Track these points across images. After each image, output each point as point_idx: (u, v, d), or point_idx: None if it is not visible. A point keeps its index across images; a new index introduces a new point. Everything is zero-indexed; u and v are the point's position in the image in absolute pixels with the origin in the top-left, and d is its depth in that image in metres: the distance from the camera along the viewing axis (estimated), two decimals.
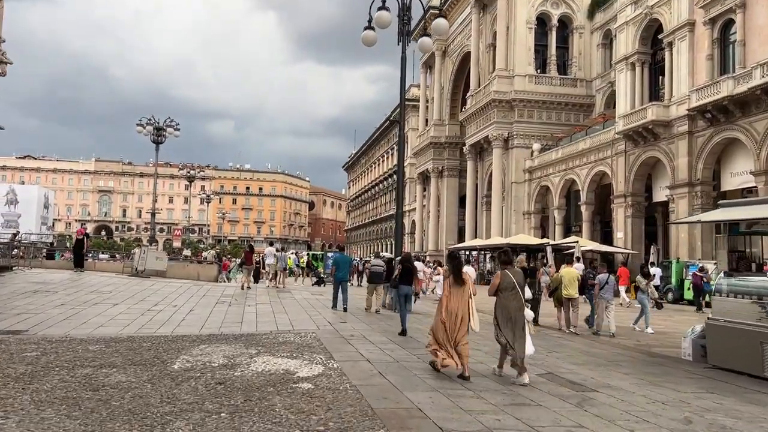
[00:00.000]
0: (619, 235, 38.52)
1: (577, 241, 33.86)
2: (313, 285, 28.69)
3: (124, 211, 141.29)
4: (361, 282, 29.54)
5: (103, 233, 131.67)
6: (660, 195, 36.70)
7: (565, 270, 14.92)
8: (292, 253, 42.22)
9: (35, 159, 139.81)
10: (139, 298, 16.36)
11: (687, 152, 32.23)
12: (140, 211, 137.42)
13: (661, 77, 37.12)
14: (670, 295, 26.59)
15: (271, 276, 24.32)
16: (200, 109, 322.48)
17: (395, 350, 9.53)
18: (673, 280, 26.64)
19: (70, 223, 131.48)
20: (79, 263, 23.83)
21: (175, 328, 11.64)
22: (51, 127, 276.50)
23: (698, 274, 24.87)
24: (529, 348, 7.65)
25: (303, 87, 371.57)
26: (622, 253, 36.76)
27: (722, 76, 29.78)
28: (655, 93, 37.18)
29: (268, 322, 12.76)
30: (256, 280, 24.30)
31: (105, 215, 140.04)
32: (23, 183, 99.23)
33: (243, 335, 10.71)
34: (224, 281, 29.57)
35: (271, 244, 29.39)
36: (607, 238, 42.34)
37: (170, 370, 7.34)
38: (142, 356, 8.30)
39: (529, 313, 7.86)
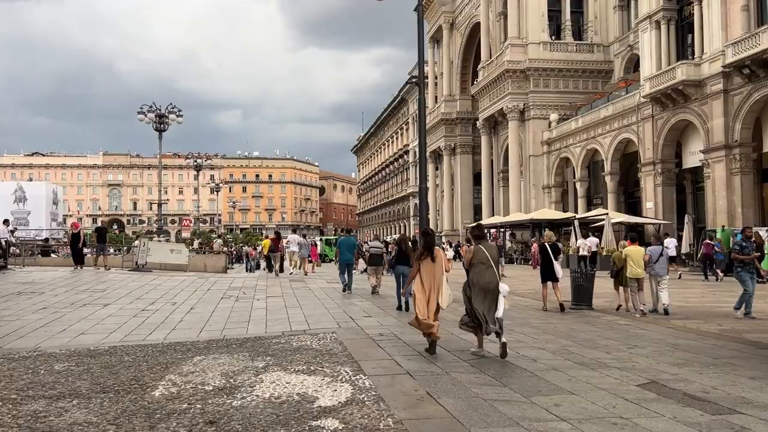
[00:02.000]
0: (648, 205, 36.35)
1: (607, 214, 31.83)
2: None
3: (135, 203, 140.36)
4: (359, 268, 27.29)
5: (115, 227, 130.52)
6: (691, 161, 34.50)
7: (631, 248, 13.10)
8: (318, 239, 40.25)
9: (43, 156, 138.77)
10: (135, 295, 14.60)
11: (722, 112, 29.93)
12: (151, 204, 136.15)
13: (689, 35, 34.61)
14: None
15: (297, 264, 24.32)
16: (207, 100, 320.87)
17: (439, 354, 7.63)
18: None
19: (81, 218, 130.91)
20: (78, 260, 22.08)
21: (170, 332, 9.83)
22: (60, 124, 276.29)
23: (710, 243, 23.78)
24: (499, 312, 7.61)
25: (308, 73, 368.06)
26: (653, 223, 34.63)
27: (761, 27, 27.40)
28: (682, 52, 34.72)
29: (280, 320, 10.92)
30: (281, 269, 24.16)
31: (116, 209, 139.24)
32: (31, 180, 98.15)
33: (249, 339, 8.87)
34: (249, 271, 27.78)
35: (294, 231, 27.78)
36: (631, 209, 40.21)
37: (148, 401, 5.49)
38: (117, 378, 6.47)
39: (504, 288, 7.76)
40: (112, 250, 37.84)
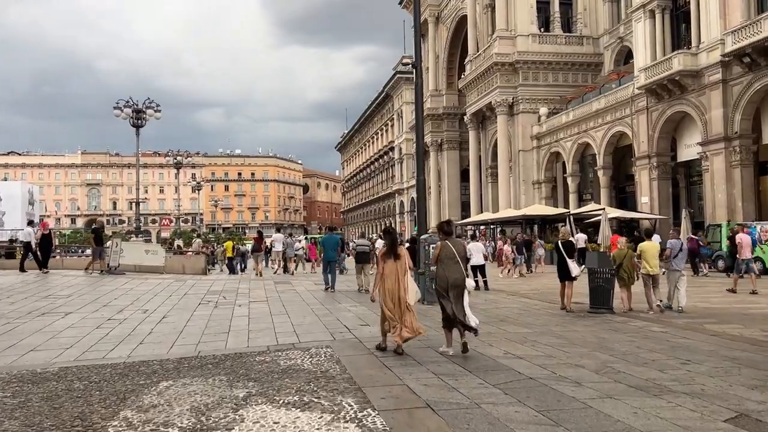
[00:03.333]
0: (644, 199, 35.35)
1: (604, 209, 30.71)
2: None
3: (114, 203, 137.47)
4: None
5: (94, 227, 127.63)
6: (687, 153, 33.57)
7: (647, 243, 12.48)
8: (302, 239, 38.99)
9: (20, 155, 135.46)
10: (103, 302, 13.12)
11: (721, 103, 28.97)
12: (131, 203, 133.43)
13: (684, 24, 33.62)
14: (720, 263, 23.44)
15: (280, 264, 24.07)
16: (188, 99, 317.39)
17: (460, 375, 6.31)
18: (723, 246, 23.46)
19: (60, 219, 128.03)
20: (44, 262, 20.13)
21: (136, 347, 8.42)
22: (39, 124, 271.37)
23: (695, 237, 23.27)
24: (472, 319, 7.56)
25: (291, 71, 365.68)
26: (648, 219, 33.64)
27: (762, 14, 26.46)
28: (678, 42, 33.73)
29: (265, 331, 9.54)
30: (285, 269, 24.04)
31: (95, 209, 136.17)
32: (6, 179, 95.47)
33: (228, 357, 7.48)
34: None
35: (279, 230, 26.34)
36: (623, 204, 39.27)
37: None
38: (57, 417, 5.07)
39: (470, 283, 7.85)
40: (89, 251, 36.04)
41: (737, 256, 16.79)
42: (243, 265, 30.74)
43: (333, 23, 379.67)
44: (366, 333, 8.95)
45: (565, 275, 12.00)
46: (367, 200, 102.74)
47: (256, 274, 22.29)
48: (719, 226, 24.70)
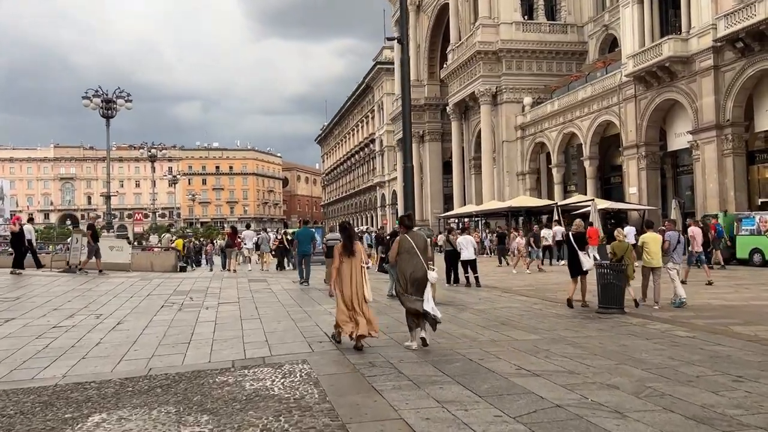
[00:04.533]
0: (632, 190, 34.47)
1: (593, 200, 29.75)
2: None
3: (89, 198, 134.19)
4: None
5: (69, 222, 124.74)
6: (677, 143, 32.71)
7: (649, 235, 11.77)
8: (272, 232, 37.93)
9: None
10: (53, 305, 11.69)
11: (713, 90, 28.08)
12: (106, 198, 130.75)
13: (674, 9, 32.67)
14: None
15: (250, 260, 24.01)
16: (166, 92, 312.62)
17: (469, 402, 5.06)
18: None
19: (32, 214, 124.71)
20: (18, 263, 17.81)
21: (76, 364, 7.07)
22: (14, 118, 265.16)
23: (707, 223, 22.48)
24: (428, 305, 7.48)
25: (270, 65, 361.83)
26: (637, 210, 32.77)
27: None
28: (667, 28, 32.76)
29: (231, 341, 8.22)
30: (281, 265, 23.82)
31: (69, 203, 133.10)
32: None
33: (183, 377, 6.18)
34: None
35: (248, 227, 25.39)
36: (607, 195, 38.34)
37: None
38: None
39: (432, 275, 7.65)
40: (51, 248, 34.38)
41: (689, 248, 16.72)
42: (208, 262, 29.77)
43: (311, 15, 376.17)
44: (348, 341, 7.69)
45: (576, 269, 11.03)
46: (347, 193, 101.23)
47: (229, 270, 21.87)
48: (715, 216, 23.75)
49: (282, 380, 5.86)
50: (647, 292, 11.50)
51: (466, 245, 15.64)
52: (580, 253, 10.91)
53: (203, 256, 33.51)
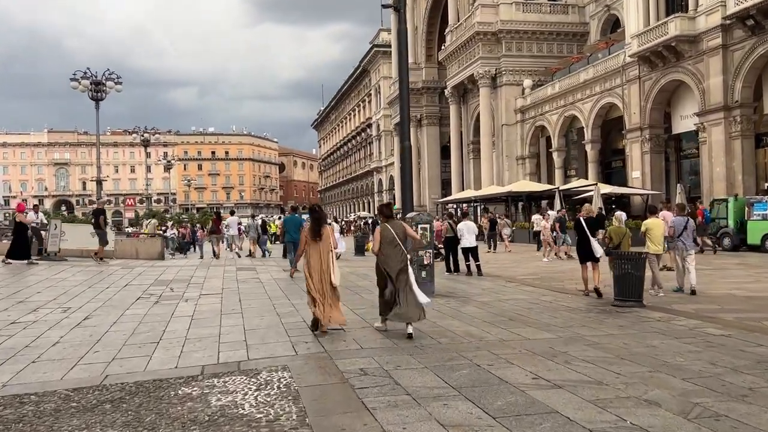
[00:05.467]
0: (635, 174, 33.51)
1: (596, 184, 28.81)
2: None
3: (84, 183, 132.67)
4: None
5: (63, 208, 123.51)
6: (682, 125, 31.75)
7: (652, 221, 11.26)
8: (262, 217, 36.93)
9: None
10: (18, 298, 10.74)
11: (721, 70, 27.07)
12: (101, 183, 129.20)
13: None
14: (726, 241, 21.64)
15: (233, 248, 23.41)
16: (160, 78, 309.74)
17: (483, 428, 4.13)
18: (731, 221, 21.66)
19: (26, 200, 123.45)
20: (24, 253, 16.25)
21: (23, 369, 6.13)
22: (7, 104, 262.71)
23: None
24: (422, 298, 7.40)
25: (265, 50, 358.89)
26: (641, 194, 31.88)
27: None
28: (673, 6, 31.64)
29: (206, 340, 7.28)
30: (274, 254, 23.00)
31: (63, 189, 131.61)
32: None
33: (141, 387, 5.25)
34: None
35: (233, 213, 24.44)
36: (608, 179, 37.35)
37: None
38: None
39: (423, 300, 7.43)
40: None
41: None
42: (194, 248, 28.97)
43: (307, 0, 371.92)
44: (339, 342, 6.76)
45: (587, 255, 10.32)
46: (344, 179, 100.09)
47: (215, 256, 21.63)
48: (725, 200, 22.85)
49: (256, 393, 4.92)
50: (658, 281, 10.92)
51: (468, 232, 14.70)
52: (593, 239, 10.12)
53: (195, 242, 32.56)
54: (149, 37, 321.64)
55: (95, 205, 23.00)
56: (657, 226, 10.96)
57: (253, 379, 5.36)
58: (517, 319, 8.34)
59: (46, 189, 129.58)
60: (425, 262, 10.78)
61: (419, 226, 10.57)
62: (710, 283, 12.23)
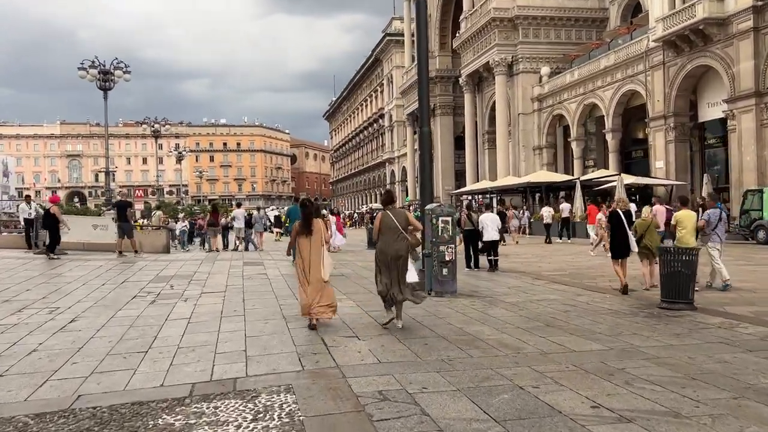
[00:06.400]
0: (658, 164, 32.28)
1: (619, 175, 27.66)
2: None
3: (96, 175, 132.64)
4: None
5: (76, 200, 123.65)
6: (709, 113, 30.48)
7: (682, 213, 10.41)
8: (271, 209, 36.24)
9: None
10: (5, 296, 9.90)
11: (752, 54, 25.77)
12: (114, 175, 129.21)
13: None
14: (761, 234, 20.50)
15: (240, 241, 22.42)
16: (172, 69, 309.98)
17: None
18: (765, 213, 20.52)
19: (39, 191, 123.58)
20: (51, 246, 15.69)
21: None
22: (21, 96, 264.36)
23: (669, 207, 20.97)
24: (410, 277, 7.39)
25: (276, 41, 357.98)
26: (665, 185, 30.71)
27: None
28: None
29: (201, 349, 6.37)
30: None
31: (76, 180, 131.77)
32: None
33: (116, 413, 4.34)
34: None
35: (239, 205, 23.57)
36: (628, 170, 36.08)
37: None
38: None
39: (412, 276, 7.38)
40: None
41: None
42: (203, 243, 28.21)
43: None
44: (352, 356, 5.83)
45: (624, 251, 9.58)
46: (356, 170, 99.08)
47: (212, 250, 21.42)
48: (760, 191, 21.67)
49: (252, 425, 4.00)
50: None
51: (491, 224, 13.69)
52: (630, 233, 9.22)
53: (194, 234, 31.64)
54: (161, 29, 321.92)
55: (119, 198, 22.09)
56: (688, 218, 10.09)
57: (249, 404, 4.43)
58: (554, 325, 7.36)
59: (59, 180, 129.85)
60: (447, 259, 9.80)
61: (440, 218, 9.62)
62: (759, 281, 11.18)
